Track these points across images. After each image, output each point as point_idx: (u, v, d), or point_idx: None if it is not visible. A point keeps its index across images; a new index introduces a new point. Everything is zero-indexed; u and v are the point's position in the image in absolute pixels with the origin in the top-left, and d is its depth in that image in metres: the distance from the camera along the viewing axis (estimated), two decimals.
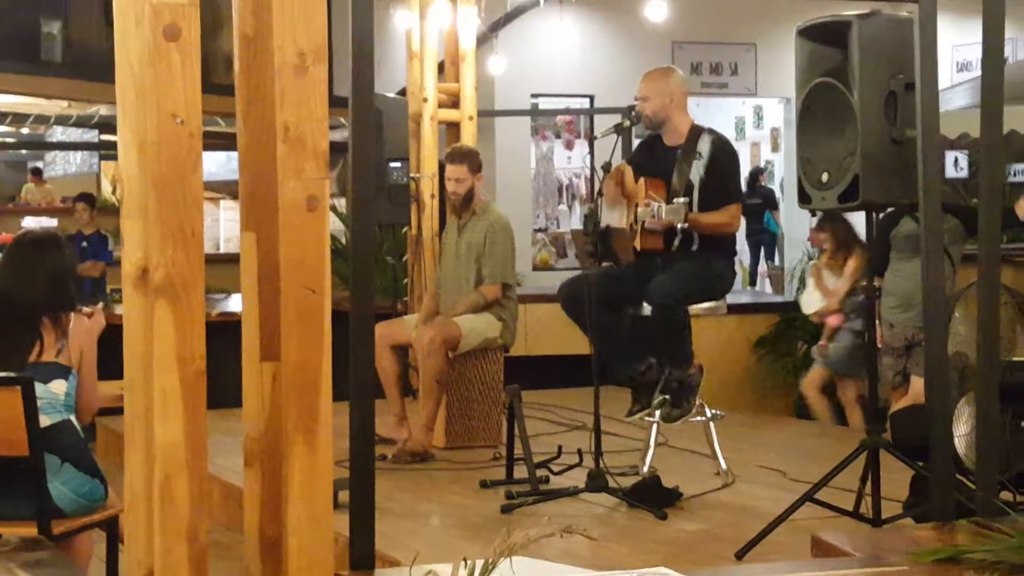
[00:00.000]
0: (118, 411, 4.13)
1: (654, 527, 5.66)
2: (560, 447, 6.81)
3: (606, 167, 6.07)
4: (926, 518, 4.48)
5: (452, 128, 9.48)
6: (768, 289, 16.88)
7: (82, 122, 16.96)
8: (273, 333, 3.61)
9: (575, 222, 14.41)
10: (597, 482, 5.90)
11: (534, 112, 14.32)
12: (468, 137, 9.35)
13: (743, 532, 5.24)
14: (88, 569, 4.97)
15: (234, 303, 10.36)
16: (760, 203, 17.46)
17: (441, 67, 9.60)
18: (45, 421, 4.68)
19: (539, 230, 14.52)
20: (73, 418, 4.86)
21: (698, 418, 6.44)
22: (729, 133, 15.44)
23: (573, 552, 4.79)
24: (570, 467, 6.49)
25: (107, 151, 18.04)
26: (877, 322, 7.12)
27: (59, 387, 4.80)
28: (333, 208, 9.58)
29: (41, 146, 21.20)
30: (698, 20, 13.92)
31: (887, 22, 4.97)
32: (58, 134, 19.69)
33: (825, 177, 5.11)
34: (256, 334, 3.68)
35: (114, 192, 17.33)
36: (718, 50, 14.50)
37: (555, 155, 14.92)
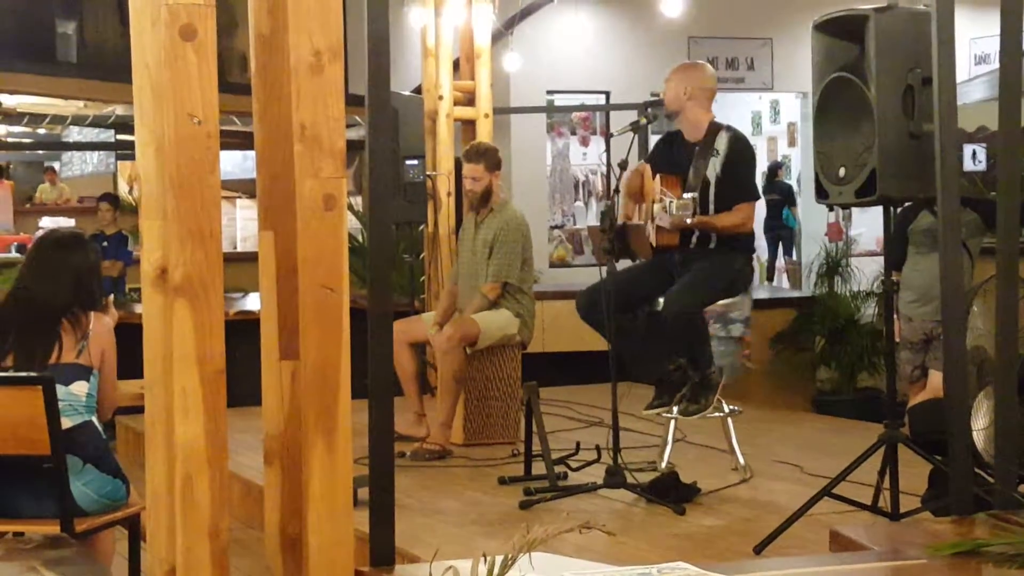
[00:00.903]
0: (138, 410, 4.14)
1: (672, 522, 5.66)
2: (578, 443, 6.81)
3: (623, 164, 6.07)
4: (944, 512, 4.47)
5: (468, 125, 9.49)
6: (785, 284, 16.85)
7: (98, 122, 17.00)
8: (291, 332, 3.62)
9: (591, 219, 14.40)
10: (615, 478, 5.91)
11: (550, 109, 14.31)
12: (484, 134, 9.35)
13: (761, 527, 5.24)
14: (111, 567, 4.98)
15: (251, 302, 10.37)
16: (779, 199, 17.43)
17: (456, 64, 9.61)
18: (67, 423, 4.69)
19: (555, 227, 14.51)
20: (95, 419, 4.87)
21: (716, 414, 6.44)
22: (746, 128, 15.44)
23: (591, 547, 4.79)
24: (588, 463, 6.50)
25: (123, 151, 18.07)
26: (895, 316, 7.10)
27: (80, 388, 4.80)
28: (349, 206, 9.60)
29: (58, 146, 21.24)
30: (714, 15, 13.89)
31: (904, 16, 4.95)
32: (75, 134, 19.74)
33: (842, 172, 5.10)
34: (275, 333, 3.69)
35: (131, 192, 17.39)
36: (734, 45, 14.47)
37: (571, 152, 14.90)
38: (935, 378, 7.17)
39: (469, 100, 9.46)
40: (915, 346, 7.66)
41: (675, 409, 6.37)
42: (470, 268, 7.62)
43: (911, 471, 5.26)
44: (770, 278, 17.22)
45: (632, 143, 6.12)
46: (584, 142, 14.95)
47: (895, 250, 7.19)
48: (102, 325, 4.90)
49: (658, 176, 6.30)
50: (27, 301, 4.90)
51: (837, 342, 10.99)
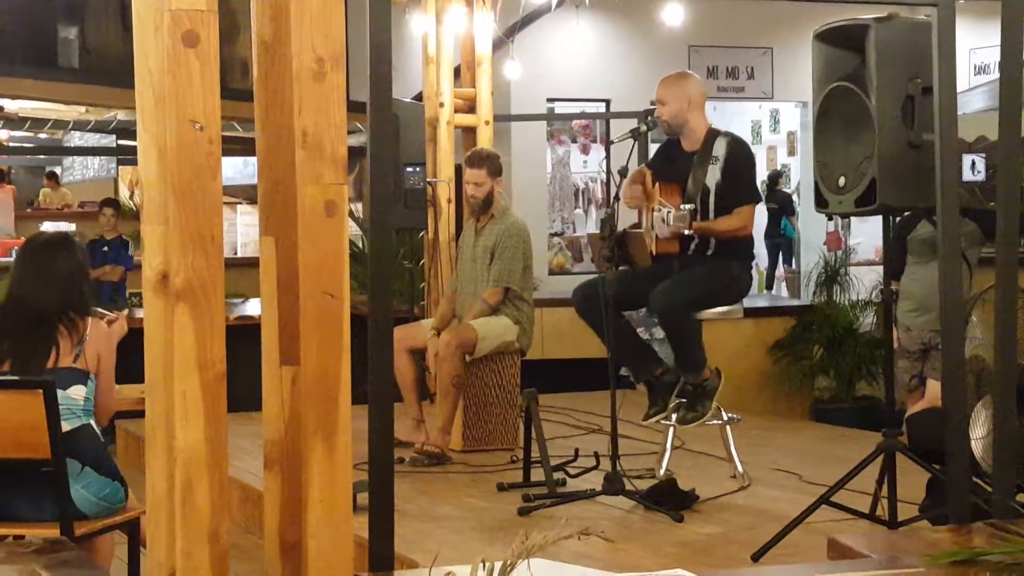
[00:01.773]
0: (139, 414, 4.15)
1: (671, 529, 5.67)
2: (577, 450, 6.82)
3: (623, 172, 6.09)
4: (942, 521, 4.48)
5: (468, 133, 9.50)
6: (784, 293, 16.86)
7: (100, 127, 17.03)
8: (292, 337, 3.63)
9: (591, 226, 14.42)
10: (614, 485, 5.91)
11: (550, 116, 14.33)
12: (484, 142, 9.36)
13: (759, 534, 5.25)
14: (110, 570, 4.99)
15: (251, 307, 10.38)
16: (777, 208, 17.45)
17: (457, 72, 9.62)
18: (65, 427, 4.69)
19: (555, 234, 14.53)
20: (93, 422, 4.88)
21: (714, 421, 6.45)
22: (746, 137, 15.42)
23: (590, 554, 4.80)
24: (587, 470, 6.51)
25: (125, 156, 18.09)
26: (894, 325, 7.12)
27: (78, 392, 4.81)
28: (350, 212, 9.61)
29: (59, 151, 21.29)
30: (714, 24, 13.92)
31: (904, 26, 4.97)
32: (76, 139, 19.76)
33: (842, 181, 5.11)
34: (275, 338, 3.70)
35: (132, 197, 17.41)
36: (734, 54, 14.50)
37: (571, 159, 14.93)
38: (933, 387, 7.18)
39: (470, 107, 9.48)
40: (913, 355, 7.68)
41: (673, 417, 6.38)
42: (470, 275, 7.63)
43: (909, 480, 5.27)
44: (769, 287, 17.24)
45: (632, 150, 6.14)
46: (584, 150, 14.98)
47: (894, 259, 7.21)
48: (99, 330, 4.90)
49: (657, 185, 6.31)
50: (19, 305, 4.89)
51: (836, 351, 11.00)
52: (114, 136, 17.92)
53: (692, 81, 6.56)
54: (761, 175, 16.12)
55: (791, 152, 17.71)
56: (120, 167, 19.06)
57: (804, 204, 15.76)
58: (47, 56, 14.23)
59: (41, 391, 4.56)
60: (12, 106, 15.22)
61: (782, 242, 17.53)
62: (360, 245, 10.95)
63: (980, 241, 7.51)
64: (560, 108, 14.51)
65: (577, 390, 9.73)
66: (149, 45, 3.55)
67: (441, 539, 5.55)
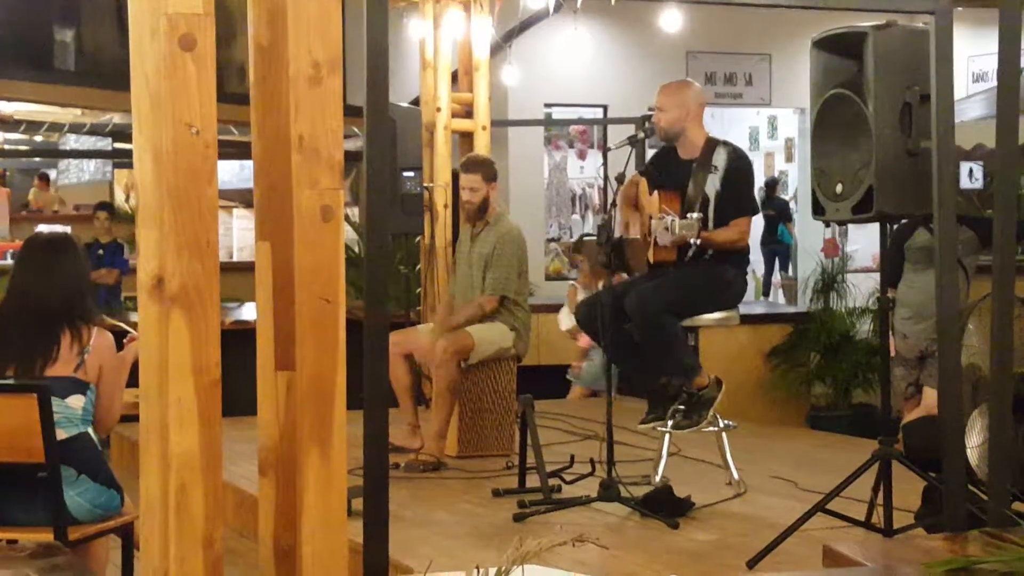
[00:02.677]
0: (133, 419, 4.14)
1: (666, 536, 5.66)
2: (572, 456, 6.81)
3: (620, 178, 6.08)
4: (938, 529, 4.47)
5: (465, 138, 9.51)
6: (782, 299, 16.86)
7: (96, 130, 17.02)
8: (288, 342, 3.62)
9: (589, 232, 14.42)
10: (609, 491, 5.91)
11: (547, 122, 14.33)
12: (481, 147, 9.37)
13: (755, 542, 5.24)
14: (104, 575, 4.98)
15: (247, 312, 10.38)
16: (774, 215, 17.46)
17: (455, 77, 9.63)
18: (62, 435, 4.67)
19: (552, 240, 14.53)
20: (91, 430, 4.86)
21: (710, 428, 6.44)
22: (743, 143, 15.41)
23: (585, 561, 4.79)
24: (582, 476, 6.50)
25: (120, 159, 18.09)
26: (890, 333, 7.12)
27: (76, 402, 4.79)
28: (346, 217, 9.61)
29: (54, 154, 21.27)
30: (712, 30, 13.92)
31: (902, 33, 4.97)
32: (71, 142, 19.75)
33: (839, 188, 5.11)
34: (271, 343, 3.69)
35: (127, 200, 17.39)
36: (732, 60, 14.51)
37: (568, 165, 14.94)
38: (930, 395, 7.19)
39: (467, 112, 9.48)
40: (910, 363, 7.68)
41: (669, 424, 6.37)
42: (467, 281, 7.62)
43: (905, 487, 5.27)
44: (766, 293, 17.25)
45: (629, 156, 6.13)
46: (581, 155, 14.98)
47: (891, 267, 7.21)
48: (103, 340, 4.87)
49: (656, 192, 6.30)
50: (22, 306, 4.87)
51: (832, 358, 11.00)
52: (110, 139, 17.90)
53: (692, 90, 6.55)
54: (758, 181, 16.12)
55: (789, 159, 17.72)
56: (116, 170, 19.04)
57: (802, 211, 15.76)
58: (43, 58, 14.21)
59: (36, 396, 4.54)
60: (7, 109, 15.21)
61: (779, 249, 17.53)
62: (356, 250, 10.96)
63: (977, 249, 7.51)
64: (558, 113, 14.51)
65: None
66: (146, 49, 3.54)
67: (436, 545, 5.55)
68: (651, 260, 6.27)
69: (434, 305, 8.58)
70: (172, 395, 3.44)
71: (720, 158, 6.34)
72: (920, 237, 7.54)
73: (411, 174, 8.36)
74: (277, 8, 3.65)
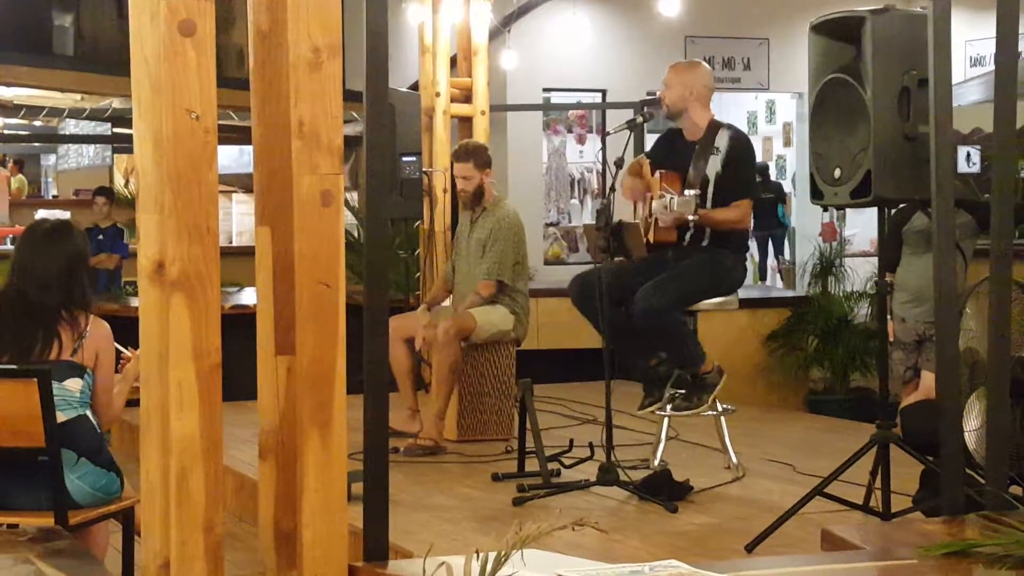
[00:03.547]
0: (134, 404, 4.15)
1: (665, 520, 5.68)
2: (571, 440, 6.82)
3: (619, 162, 6.08)
4: (936, 512, 4.49)
5: (464, 122, 9.50)
6: (779, 284, 16.86)
7: (95, 115, 17.00)
8: (288, 327, 3.63)
9: (587, 216, 14.41)
10: (608, 475, 5.92)
11: (546, 106, 14.32)
12: (480, 131, 9.36)
13: (753, 525, 5.26)
14: (105, 560, 4.99)
15: (247, 296, 10.38)
16: (773, 197, 17.44)
17: (454, 61, 9.62)
18: (61, 417, 4.68)
19: (551, 224, 14.53)
20: (89, 413, 4.87)
21: (709, 412, 6.46)
22: (741, 127, 15.45)
23: (584, 545, 4.81)
24: (581, 460, 6.51)
25: (120, 144, 18.08)
26: (888, 317, 7.12)
27: (74, 385, 4.79)
28: (346, 202, 9.62)
29: (54, 139, 21.25)
30: (711, 15, 13.91)
31: (900, 18, 4.97)
32: (71, 127, 19.73)
33: (837, 173, 5.12)
34: (271, 328, 3.70)
35: (127, 185, 17.39)
36: (731, 45, 14.48)
37: (567, 149, 14.92)
38: (928, 379, 7.19)
39: (466, 97, 9.48)
40: (908, 347, 7.68)
41: (668, 407, 6.38)
42: (466, 267, 7.63)
43: (903, 471, 5.28)
44: (763, 278, 17.24)
45: (628, 141, 6.14)
46: (580, 140, 14.97)
47: (889, 251, 7.21)
48: (99, 328, 4.87)
49: (658, 172, 6.31)
50: (20, 294, 4.87)
51: (830, 342, 11.01)
52: (109, 124, 17.89)
53: (700, 72, 6.55)
54: None
55: (787, 143, 17.69)
56: (115, 155, 19.02)
57: (800, 196, 15.76)
58: (42, 43, 14.21)
59: (36, 380, 4.55)
60: (7, 94, 15.18)
61: (778, 233, 17.51)
62: (356, 235, 10.95)
63: (975, 233, 7.51)
64: (556, 98, 14.50)
65: (572, 380, 9.75)
66: (146, 33, 3.54)
67: (435, 529, 5.56)
68: (651, 240, 6.28)
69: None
70: (172, 379, 3.45)
71: (722, 140, 6.35)
72: (918, 221, 7.53)
73: (410, 159, 8.36)
74: None
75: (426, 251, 9.33)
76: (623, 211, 6.61)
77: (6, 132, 19.15)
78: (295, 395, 3.61)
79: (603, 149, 14.41)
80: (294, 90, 3.56)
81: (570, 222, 14.72)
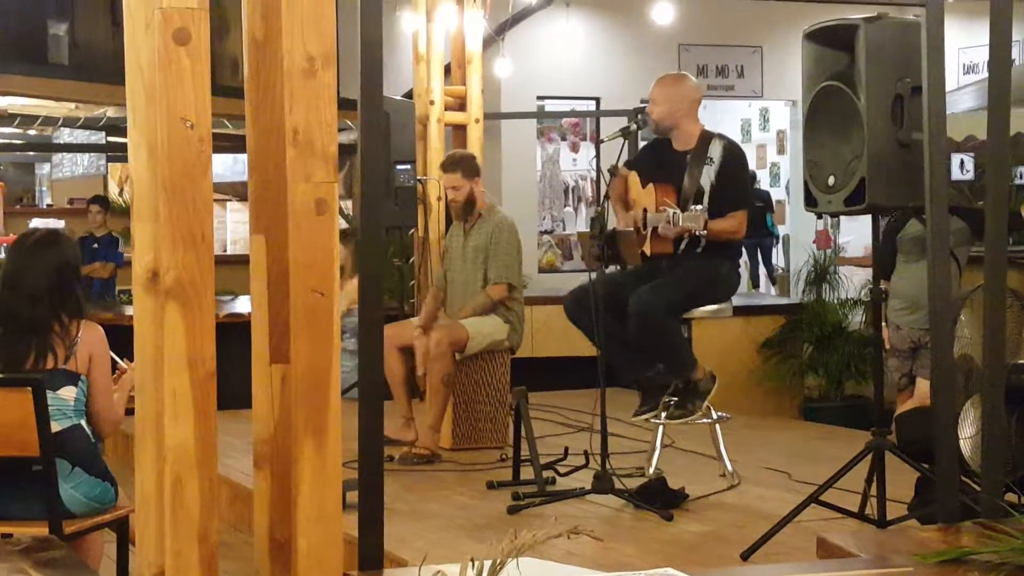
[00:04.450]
0: (128, 412, 4.15)
1: (660, 528, 5.68)
2: (566, 448, 6.82)
3: (612, 170, 6.09)
4: (931, 520, 4.49)
5: (458, 130, 9.51)
6: (773, 292, 16.87)
7: (90, 124, 17.00)
8: (282, 336, 3.63)
9: (581, 224, 14.41)
10: (603, 483, 5.92)
11: (540, 114, 14.32)
12: (474, 139, 9.37)
13: (748, 533, 5.26)
14: (99, 569, 4.98)
15: (241, 305, 10.38)
16: (763, 205, 17.46)
17: (448, 70, 9.63)
18: (55, 427, 4.67)
19: (545, 232, 14.53)
20: (84, 423, 4.86)
21: (704, 420, 6.46)
22: (735, 135, 15.44)
23: (579, 553, 4.81)
24: (576, 468, 6.51)
25: (115, 153, 18.07)
26: (883, 324, 7.13)
27: (68, 393, 4.79)
28: (340, 210, 9.63)
29: (48, 148, 21.23)
30: (704, 23, 13.92)
31: (894, 25, 4.98)
32: (65, 136, 19.72)
33: (831, 180, 5.12)
34: (265, 337, 3.70)
35: (121, 194, 17.38)
36: (724, 52, 14.50)
37: (561, 157, 14.92)
38: (923, 386, 7.21)
39: (460, 105, 9.49)
40: (903, 354, 7.69)
41: (663, 415, 6.38)
42: (462, 275, 7.63)
43: (898, 478, 5.28)
44: (755, 286, 17.26)
45: (622, 149, 6.14)
46: (574, 148, 14.97)
47: (884, 258, 7.22)
48: (92, 332, 4.87)
49: (651, 185, 6.31)
50: (10, 305, 4.85)
51: (825, 349, 11.02)
52: (104, 133, 17.88)
53: (686, 85, 6.56)
54: None
55: (781, 151, 17.72)
56: (110, 164, 19.01)
57: (794, 203, 15.77)
58: (36, 52, 14.18)
59: (30, 389, 4.54)
60: (1, 103, 15.18)
61: (767, 242, 17.53)
62: None
63: (969, 240, 7.53)
64: (550, 106, 14.50)
65: (566, 388, 9.74)
66: (140, 42, 3.54)
67: (430, 537, 5.56)
68: (648, 253, 6.27)
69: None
70: (167, 388, 3.45)
71: (716, 151, 6.35)
72: (912, 228, 7.55)
73: (405, 167, 8.35)
74: (271, 1, 3.66)
75: (420, 259, 9.33)
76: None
77: (0, 141, 19.15)
78: (290, 403, 3.60)
79: (597, 157, 14.47)
80: (288, 98, 3.55)
81: (564, 230, 14.72)
